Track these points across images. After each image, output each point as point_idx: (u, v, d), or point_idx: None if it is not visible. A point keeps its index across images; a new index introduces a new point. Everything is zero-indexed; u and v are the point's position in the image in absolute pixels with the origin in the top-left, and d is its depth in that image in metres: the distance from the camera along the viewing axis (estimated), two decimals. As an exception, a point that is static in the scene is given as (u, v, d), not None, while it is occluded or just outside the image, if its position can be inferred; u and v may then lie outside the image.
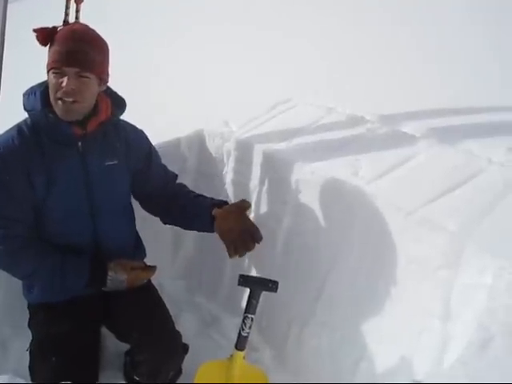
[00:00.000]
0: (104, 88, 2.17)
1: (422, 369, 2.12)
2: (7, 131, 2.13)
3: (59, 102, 2.01)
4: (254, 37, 5.04)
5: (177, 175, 2.63)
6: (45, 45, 2.04)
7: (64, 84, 1.97)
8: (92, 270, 2.15)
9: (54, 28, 2.08)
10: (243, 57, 4.59)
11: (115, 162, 2.24)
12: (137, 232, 2.52)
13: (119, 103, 2.25)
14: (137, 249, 2.50)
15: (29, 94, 2.12)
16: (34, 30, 2.04)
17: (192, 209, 2.45)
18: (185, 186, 2.61)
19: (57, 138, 2.10)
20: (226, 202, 2.47)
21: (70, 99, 2.00)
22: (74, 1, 2.92)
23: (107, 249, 2.28)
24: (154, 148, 2.51)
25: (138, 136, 2.41)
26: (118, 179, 2.28)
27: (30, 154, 2.06)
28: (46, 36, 2.03)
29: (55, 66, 1.98)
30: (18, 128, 2.11)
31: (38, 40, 2.04)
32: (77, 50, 1.99)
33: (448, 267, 2.09)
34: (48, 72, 2.02)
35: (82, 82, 2.01)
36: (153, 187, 2.48)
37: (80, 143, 2.13)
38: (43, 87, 2.10)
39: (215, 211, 2.36)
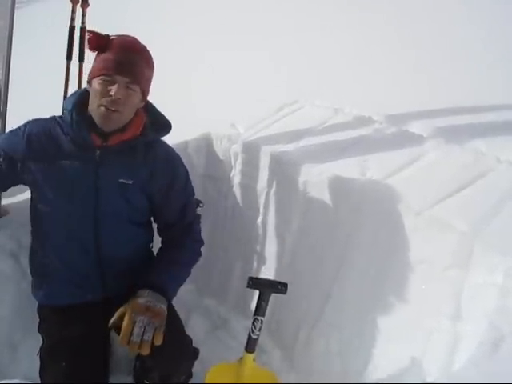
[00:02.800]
0: (142, 105, 2.15)
1: (432, 369, 2.12)
2: (41, 118, 2.19)
3: (102, 108, 1.99)
4: (260, 39, 5.04)
5: (192, 224, 2.43)
6: (95, 50, 2.03)
7: (113, 92, 1.95)
8: None
9: (108, 36, 2.06)
10: (249, 59, 4.60)
11: (130, 181, 2.18)
12: (150, 248, 2.48)
13: (160, 126, 2.23)
14: (149, 260, 2.44)
15: (72, 94, 2.21)
16: (89, 32, 2.04)
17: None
18: (183, 247, 2.37)
19: (76, 140, 2.10)
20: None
21: (113, 108, 1.99)
22: (79, 5, 2.94)
23: (108, 259, 2.24)
24: (188, 188, 2.39)
25: (171, 165, 2.31)
26: (130, 198, 2.21)
27: (50, 145, 2.10)
28: (100, 43, 2.02)
29: (106, 73, 1.97)
30: (51, 118, 2.18)
31: (90, 44, 2.03)
32: (130, 60, 2.00)
33: (458, 267, 2.09)
34: (93, 78, 2.01)
35: (128, 94, 2.00)
36: (162, 221, 2.41)
37: (98, 152, 2.11)
38: (80, 92, 2.15)
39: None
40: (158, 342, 1.96)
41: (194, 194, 2.44)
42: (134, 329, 1.94)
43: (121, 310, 2.02)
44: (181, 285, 2.28)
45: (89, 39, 2.02)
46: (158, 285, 2.11)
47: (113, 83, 1.97)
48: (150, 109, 2.22)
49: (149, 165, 2.21)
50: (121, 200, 2.19)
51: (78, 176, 2.10)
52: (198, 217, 2.48)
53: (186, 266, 2.34)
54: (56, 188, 2.10)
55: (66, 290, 2.24)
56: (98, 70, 2.00)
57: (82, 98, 2.10)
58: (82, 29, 2.91)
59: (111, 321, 2.03)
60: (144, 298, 2.03)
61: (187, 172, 2.38)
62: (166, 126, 2.25)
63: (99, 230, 2.19)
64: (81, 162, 2.11)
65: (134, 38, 2.11)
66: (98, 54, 2.04)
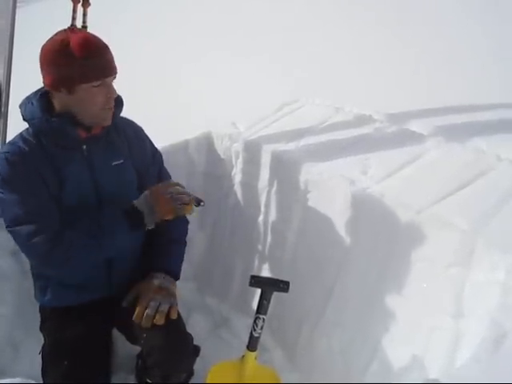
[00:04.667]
0: None
1: (435, 367, 2.12)
2: (11, 141, 2.12)
3: (104, 111, 2.07)
4: (261, 38, 5.04)
5: None
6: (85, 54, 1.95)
7: (111, 94, 2.04)
8: (128, 217, 2.08)
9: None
10: (250, 58, 4.60)
11: (121, 160, 2.23)
12: None
13: (118, 102, 2.22)
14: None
15: (25, 104, 2.10)
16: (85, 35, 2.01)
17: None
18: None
19: (61, 142, 2.09)
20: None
21: (112, 105, 2.08)
22: (81, 5, 2.93)
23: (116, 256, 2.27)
24: (156, 152, 2.45)
25: (138, 134, 2.38)
26: (126, 178, 2.27)
27: (38, 161, 2.04)
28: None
29: (99, 78, 1.98)
30: (22, 137, 2.09)
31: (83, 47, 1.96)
32: (107, 58, 2.01)
33: (460, 265, 2.09)
34: (74, 86, 1.97)
35: (114, 87, 2.07)
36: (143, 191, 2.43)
37: (85, 146, 2.13)
38: (38, 95, 2.09)
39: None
40: (174, 315, 2.12)
41: (162, 157, 2.49)
42: (148, 304, 2.09)
43: (134, 290, 2.21)
44: (183, 261, 2.42)
45: (85, 42, 1.97)
46: (167, 267, 2.28)
47: (104, 85, 2.01)
48: None
49: (124, 141, 2.28)
50: (119, 182, 2.23)
51: (75, 176, 2.10)
52: None
53: (183, 242, 2.47)
54: (59, 193, 2.08)
55: (72, 292, 2.24)
56: (83, 76, 1.96)
57: (46, 101, 2.07)
58: (84, 28, 2.91)
59: (126, 300, 2.19)
60: (158, 279, 2.21)
61: (149, 137, 2.44)
62: (121, 101, 2.23)
63: None
64: (73, 162, 2.11)
65: (87, 32, 2.11)
66: (66, 61, 1.96)
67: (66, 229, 2.05)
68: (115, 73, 2.04)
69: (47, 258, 2.04)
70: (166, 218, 2.09)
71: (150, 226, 2.09)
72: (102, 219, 2.08)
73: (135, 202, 2.08)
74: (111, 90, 2.04)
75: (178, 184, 2.17)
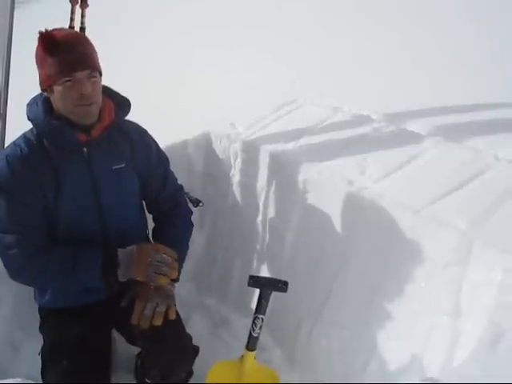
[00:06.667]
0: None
1: (433, 366, 2.13)
2: (15, 141, 2.12)
3: (79, 107, 1.99)
4: (259, 39, 5.04)
5: (176, 195, 2.51)
6: (51, 52, 1.96)
7: (84, 89, 1.95)
8: (104, 264, 2.09)
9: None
10: (248, 58, 4.60)
11: (122, 165, 2.22)
12: (147, 234, 2.51)
13: (123, 104, 2.22)
14: None
15: (31, 105, 2.11)
16: (46, 33, 1.95)
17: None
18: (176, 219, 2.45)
19: (61, 145, 2.08)
20: None
21: (89, 102, 1.99)
22: (79, 6, 2.93)
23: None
24: (161, 155, 2.44)
25: (142, 137, 2.36)
26: (127, 182, 2.26)
27: (38, 162, 2.05)
28: (54, 43, 1.95)
29: (67, 74, 1.94)
30: (25, 138, 2.10)
31: (48, 46, 1.95)
32: (80, 52, 1.97)
33: (457, 264, 2.09)
34: (53, 85, 1.97)
35: (93, 83, 2.00)
36: (148, 194, 2.44)
37: (85, 149, 2.11)
38: (44, 97, 2.09)
39: None
40: (172, 316, 2.10)
41: (168, 160, 2.48)
42: (146, 305, 2.07)
43: (132, 290, 2.18)
44: (183, 262, 2.35)
45: (49, 40, 1.95)
46: None
47: (77, 81, 1.95)
48: (109, 92, 2.19)
49: (127, 144, 2.26)
50: (119, 186, 2.22)
51: (74, 178, 2.10)
52: (181, 187, 2.56)
53: (185, 243, 2.42)
54: (58, 197, 2.09)
55: (73, 293, 2.24)
56: (55, 74, 1.95)
57: (47, 104, 2.07)
58: (82, 29, 2.91)
59: (124, 300, 2.18)
60: None
61: (155, 141, 2.43)
62: (127, 103, 2.24)
63: (106, 223, 2.21)
64: (73, 164, 2.10)
65: (64, 29, 2.08)
66: (41, 61, 1.99)
67: (46, 250, 2.08)
68: (88, 68, 1.97)
69: (18, 272, 2.10)
70: (138, 279, 2.07)
71: (122, 279, 2.07)
72: (78, 259, 2.07)
73: (120, 250, 2.08)
74: (84, 85, 1.95)
75: (169, 252, 2.10)
